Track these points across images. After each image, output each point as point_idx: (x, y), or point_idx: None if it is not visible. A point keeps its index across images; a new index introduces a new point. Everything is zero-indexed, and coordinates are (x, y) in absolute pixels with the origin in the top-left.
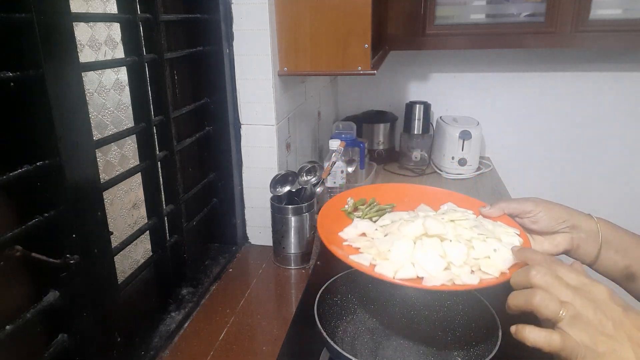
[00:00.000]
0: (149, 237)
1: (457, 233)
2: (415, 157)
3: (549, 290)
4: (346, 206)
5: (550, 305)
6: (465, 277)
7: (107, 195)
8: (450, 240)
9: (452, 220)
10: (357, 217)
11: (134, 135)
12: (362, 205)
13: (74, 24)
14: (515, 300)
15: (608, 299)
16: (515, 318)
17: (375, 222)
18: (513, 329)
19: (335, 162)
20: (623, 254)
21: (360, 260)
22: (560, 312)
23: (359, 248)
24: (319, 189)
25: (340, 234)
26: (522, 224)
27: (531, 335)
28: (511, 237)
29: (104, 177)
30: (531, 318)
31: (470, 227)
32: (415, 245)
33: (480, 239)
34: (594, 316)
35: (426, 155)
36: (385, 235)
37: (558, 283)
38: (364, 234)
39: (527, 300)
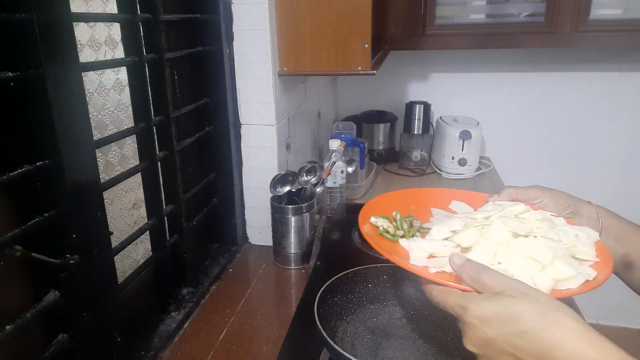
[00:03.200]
0: (149, 237)
1: (538, 227)
2: (415, 157)
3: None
4: (380, 228)
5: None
6: (585, 269)
7: (107, 195)
8: (536, 237)
9: (516, 215)
10: (400, 237)
11: (134, 135)
12: (388, 222)
13: (74, 24)
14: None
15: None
16: None
17: (420, 236)
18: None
19: (335, 162)
20: (621, 242)
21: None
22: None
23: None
24: (319, 189)
25: (413, 262)
26: None
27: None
28: (554, 219)
29: (104, 177)
30: None
31: (542, 219)
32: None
33: (553, 227)
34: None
35: (426, 155)
36: (467, 250)
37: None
38: (432, 256)
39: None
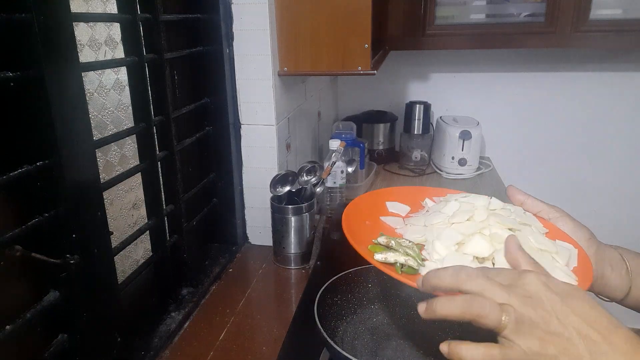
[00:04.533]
0: (149, 237)
1: (508, 216)
2: (415, 157)
3: (483, 294)
4: (398, 264)
5: (491, 313)
6: (562, 244)
7: (107, 195)
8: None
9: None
10: (421, 266)
11: (134, 135)
12: (396, 254)
13: (74, 24)
14: (447, 310)
15: (543, 290)
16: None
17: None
18: (444, 348)
19: (335, 162)
20: None
21: None
22: (503, 319)
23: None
24: (319, 189)
25: None
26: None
27: (468, 353)
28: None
29: (104, 177)
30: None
31: (504, 207)
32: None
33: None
34: (536, 314)
35: (426, 155)
36: (485, 260)
37: (491, 285)
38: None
39: (464, 309)
